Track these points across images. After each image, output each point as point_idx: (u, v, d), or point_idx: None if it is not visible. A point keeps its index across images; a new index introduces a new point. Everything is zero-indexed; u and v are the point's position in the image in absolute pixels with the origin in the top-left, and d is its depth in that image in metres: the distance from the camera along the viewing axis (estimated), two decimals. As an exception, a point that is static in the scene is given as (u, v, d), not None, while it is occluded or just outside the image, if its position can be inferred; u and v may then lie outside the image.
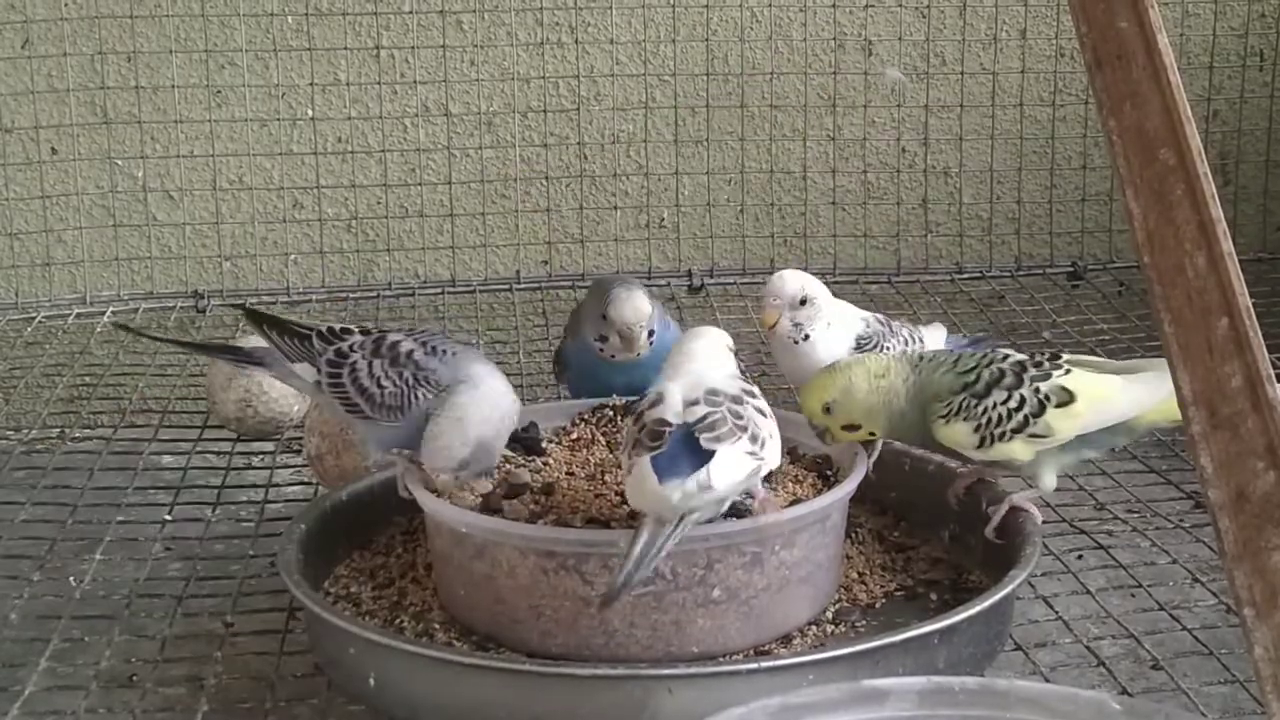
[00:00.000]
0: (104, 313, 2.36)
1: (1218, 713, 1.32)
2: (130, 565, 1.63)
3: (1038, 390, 1.37)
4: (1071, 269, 2.52)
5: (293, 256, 2.44)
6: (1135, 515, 1.70)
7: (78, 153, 2.36)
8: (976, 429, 1.37)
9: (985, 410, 1.36)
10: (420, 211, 2.46)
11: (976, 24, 2.48)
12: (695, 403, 1.24)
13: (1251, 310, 0.99)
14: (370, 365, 1.42)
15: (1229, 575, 0.99)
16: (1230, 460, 0.99)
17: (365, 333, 1.46)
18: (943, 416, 1.38)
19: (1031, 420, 1.37)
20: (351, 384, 1.42)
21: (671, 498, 1.18)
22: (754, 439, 1.23)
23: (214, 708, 1.34)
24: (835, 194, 2.52)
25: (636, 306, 1.53)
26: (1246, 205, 2.56)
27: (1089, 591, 1.53)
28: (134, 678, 1.42)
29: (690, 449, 1.21)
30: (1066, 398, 1.37)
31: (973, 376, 1.38)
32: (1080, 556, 1.60)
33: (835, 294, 1.62)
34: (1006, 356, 1.40)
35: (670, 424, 1.22)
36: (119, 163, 2.40)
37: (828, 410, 1.38)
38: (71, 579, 1.60)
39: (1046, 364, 1.39)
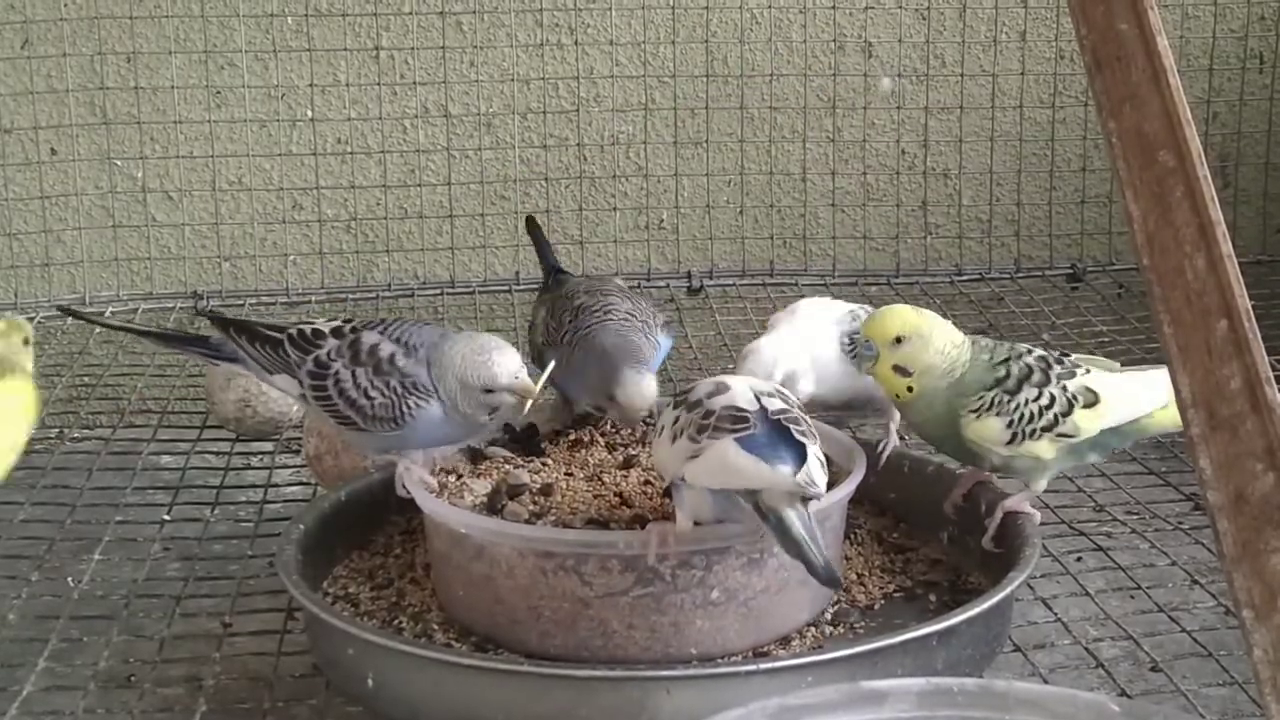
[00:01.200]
0: (103, 313, 2.36)
1: (1217, 714, 1.32)
2: (129, 565, 1.63)
3: (1065, 389, 1.38)
4: (1071, 271, 2.52)
5: (292, 257, 2.44)
6: (1135, 517, 1.70)
7: (77, 153, 2.36)
8: (1009, 425, 1.36)
9: (1018, 407, 1.36)
10: (420, 213, 2.46)
11: (976, 26, 2.48)
12: (770, 395, 1.23)
13: (1251, 312, 0.99)
14: (354, 375, 1.39)
15: (1228, 577, 0.99)
16: (1229, 462, 0.99)
17: (337, 334, 1.42)
18: (974, 411, 1.36)
19: (1061, 419, 1.37)
20: (339, 396, 1.40)
21: (784, 474, 1.15)
22: (820, 450, 1.21)
23: (212, 708, 1.34)
24: (835, 196, 2.52)
25: (644, 394, 1.45)
26: (1246, 208, 2.56)
27: (1088, 593, 1.53)
28: (132, 678, 1.42)
29: (782, 437, 1.19)
30: (1093, 398, 1.38)
31: (1003, 371, 1.37)
32: (1079, 558, 1.60)
33: (834, 297, 1.63)
34: (1030, 350, 1.40)
35: (747, 411, 1.20)
36: (118, 163, 2.40)
37: (898, 341, 1.36)
38: (70, 579, 1.60)
39: (1068, 363, 1.40)
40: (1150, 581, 1.55)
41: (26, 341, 1.50)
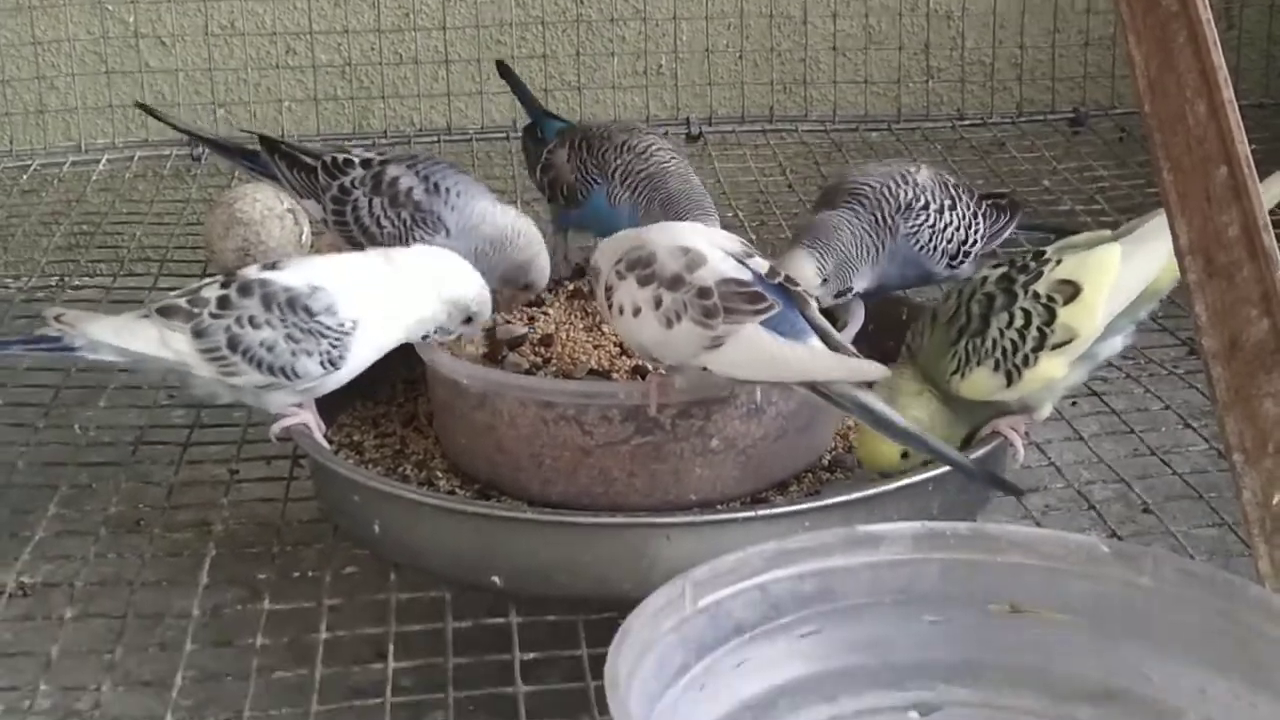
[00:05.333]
0: (99, 160, 2.35)
1: (1206, 554, 1.34)
2: (134, 413, 1.65)
3: (1036, 295, 1.21)
4: (1073, 115, 2.50)
5: (286, 104, 2.42)
6: (1130, 362, 1.72)
7: (68, -3, 2.33)
8: (996, 367, 1.22)
9: (994, 343, 1.22)
10: (415, 58, 2.43)
11: None
12: (748, 255, 1.19)
13: (1250, 159, 0.99)
14: (370, 204, 1.42)
15: (1220, 422, 1.00)
16: (1225, 308, 1.00)
17: (366, 164, 1.46)
18: (956, 373, 1.23)
19: (1047, 330, 1.21)
20: (355, 223, 1.44)
21: (838, 359, 1.13)
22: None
23: (222, 552, 1.37)
24: (836, 39, 2.49)
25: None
26: (1250, 50, 2.53)
27: (1081, 437, 1.54)
28: (141, 523, 1.44)
29: (792, 304, 1.17)
30: (1071, 290, 1.21)
31: (962, 318, 1.23)
32: (1074, 403, 1.62)
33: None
34: (985, 279, 1.24)
35: (747, 281, 1.16)
36: (109, 8, 2.37)
37: (905, 456, 1.23)
38: (77, 426, 1.62)
39: (1032, 263, 1.23)
40: (1143, 425, 1.57)
41: None
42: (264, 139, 1.53)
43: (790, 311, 1.17)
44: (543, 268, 1.44)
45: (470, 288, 1.28)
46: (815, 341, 1.16)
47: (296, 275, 1.27)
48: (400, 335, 1.28)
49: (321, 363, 1.26)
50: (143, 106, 1.93)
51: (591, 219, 1.56)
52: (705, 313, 1.15)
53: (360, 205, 1.43)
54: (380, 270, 1.28)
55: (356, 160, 1.47)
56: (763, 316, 1.15)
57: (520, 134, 1.78)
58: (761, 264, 1.19)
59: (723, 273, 1.17)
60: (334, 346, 1.26)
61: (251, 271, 1.29)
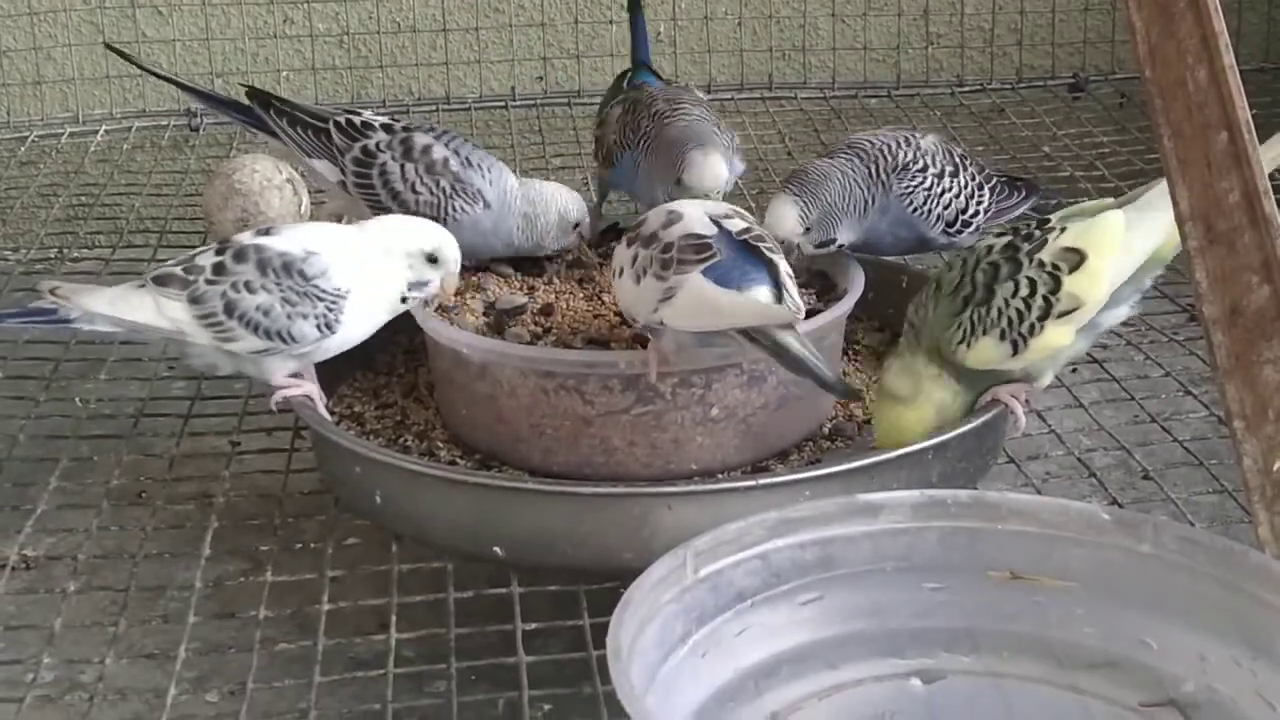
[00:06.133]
0: (97, 131, 2.34)
1: (1206, 521, 1.35)
2: (134, 385, 1.65)
3: (1041, 264, 1.20)
4: (1073, 80, 2.49)
5: (284, 73, 2.41)
6: (1130, 328, 1.72)
7: (63, -33, 2.32)
8: (1001, 336, 1.20)
9: (1000, 313, 1.20)
10: (413, 26, 2.42)
11: None
12: (729, 216, 1.19)
13: (1251, 125, 0.98)
14: (403, 169, 1.42)
15: (1220, 389, 1.01)
16: (1225, 275, 1.00)
17: (388, 129, 1.46)
18: (961, 343, 1.21)
19: (1053, 299, 1.20)
20: (382, 187, 1.43)
21: (760, 300, 1.12)
22: (789, 268, 1.18)
23: (224, 524, 1.37)
24: (835, 5, 2.48)
25: (715, 173, 1.43)
26: (1251, 13, 2.52)
27: (1082, 405, 1.55)
28: (144, 495, 1.45)
29: (749, 257, 1.15)
30: (1076, 259, 1.20)
31: (968, 287, 1.22)
32: (1074, 370, 1.62)
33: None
34: (990, 247, 1.23)
35: (706, 236, 1.17)
36: (105, -22, 2.36)
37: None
38: (78, 399, 1.62)
39: (1037, 231, 1.22)
40: (1144, 392, 1.57)
41: None
42: (254, 93, 1.50)
43: (741, 262, 1.15)
44: (578, 203, 1.44)
45: (417, 230, 1.30)
46: (760, 290, 1.14)
47: (290, 240, 1.28)
48: (385, 300, 1.29)
49: (318, 326, 1.26)
50: (111, 48, 1.85)
51: (622, 181, 1.59)
52: (663, 265, 1.16)
53: (391, 170, 1.42)
54: (357, 238, 1.29)
55: (376, 124, 1.46)
56: (705, 265, 1.15)
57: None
58: (737, 224, 1.18)
59: (687, 229, 1.17)
60: (329, 310, 1.26)
61: (246, 237, 1.29)
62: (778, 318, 1.13)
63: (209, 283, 1.27)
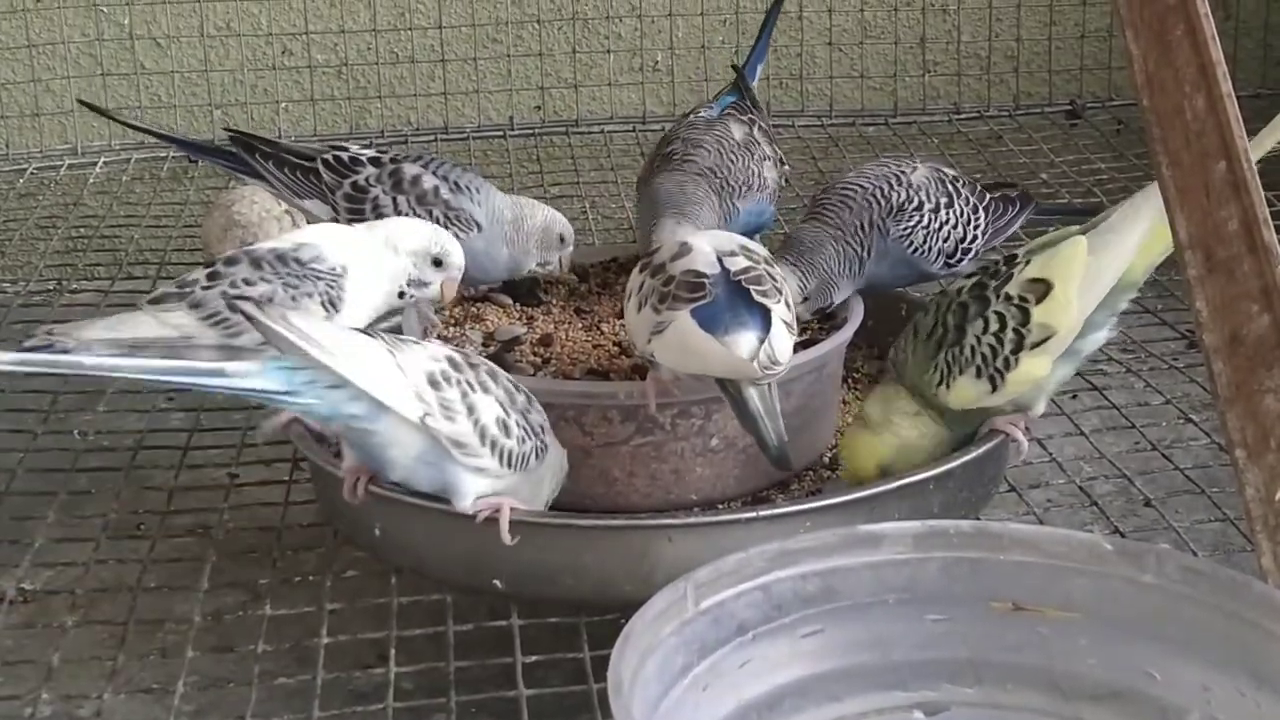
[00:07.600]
0: (96, 163, 2.34)
1: (1208, 549, 1.34)
2: (133, 417, 1.65)
3: (1008, 298, 1.21)
4: (1070, 107, 2.50)
5: (283, 104, 2.42)
6: (1130, 355, 1.71)
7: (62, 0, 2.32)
8: (978, 374, 1.21)
9: (973, 351, 1.21)
10: (411, 57, 2.43)
11: None
12: (732, 254, 1.17)
13: (1250, 153, 0.98)
14: (395, 201, 1.42)
15: (1221, 417, 1.00)
16: (1225, 303, 1.00)
17: (375, 162, 1.46)
18: (940, 385, 1.22)
19: (1024, 330, 1.20)
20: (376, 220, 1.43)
21: (739, 353, 1.11)
22: (787, 305, 1.17)
23: (222, 556, 1.37)
24: (832, 33, 2.49)
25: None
26: (1247, 40, 2.53)
27: (1083, 432, 1.54)
28: (142, 528, 1.44)
29: (741, 302, 1.14)
30: (1043, 289, 1.21)
31: (939, 330, 1.23)
32: (1074, 397, 1.62)
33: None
34: (960, 289, 1.24)
35: (706, 275, 1.15)
36: (104, 10, 2.37)
37: (884, 473, 1.23)
38: (75, 431, 1.62)
39: (1003, 267, 1.23)
40: (1144, 419, 1.57)
41: None
42: (237, 138, 1.50)
43: (734, 304, 1.14)
44: (559, 219, 1.45)
45: (423, 232, 1.31)
46: (745, 335, 1.12)
47: (278, 240, 1.32)
48: (384, 290, 1.30)
49: (323, 303, 1.27)
50: (84, 103, 1.87)
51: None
52: (660, 299, 1.16)
53: (383, 203, 1.43)
54: (354, 232, 1.32)
55: (364, 158, 1.46)
56: (695, 305, 1.14)
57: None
58: (738, 264, 1.17)
59: (691, 264, 1.17)
60: (331, 287, 1.28)
61: (230, 250, 1.31)
62: (745, 375, 1.12)
63: (205, 288, 1.28)
